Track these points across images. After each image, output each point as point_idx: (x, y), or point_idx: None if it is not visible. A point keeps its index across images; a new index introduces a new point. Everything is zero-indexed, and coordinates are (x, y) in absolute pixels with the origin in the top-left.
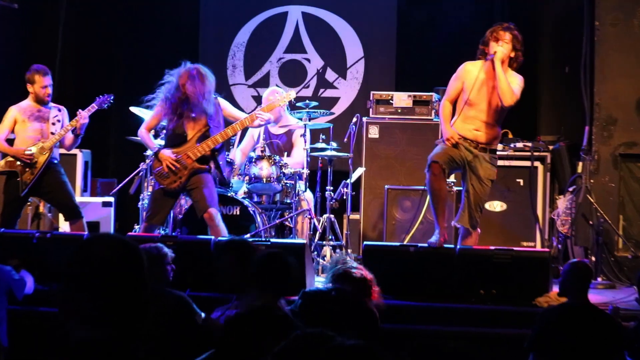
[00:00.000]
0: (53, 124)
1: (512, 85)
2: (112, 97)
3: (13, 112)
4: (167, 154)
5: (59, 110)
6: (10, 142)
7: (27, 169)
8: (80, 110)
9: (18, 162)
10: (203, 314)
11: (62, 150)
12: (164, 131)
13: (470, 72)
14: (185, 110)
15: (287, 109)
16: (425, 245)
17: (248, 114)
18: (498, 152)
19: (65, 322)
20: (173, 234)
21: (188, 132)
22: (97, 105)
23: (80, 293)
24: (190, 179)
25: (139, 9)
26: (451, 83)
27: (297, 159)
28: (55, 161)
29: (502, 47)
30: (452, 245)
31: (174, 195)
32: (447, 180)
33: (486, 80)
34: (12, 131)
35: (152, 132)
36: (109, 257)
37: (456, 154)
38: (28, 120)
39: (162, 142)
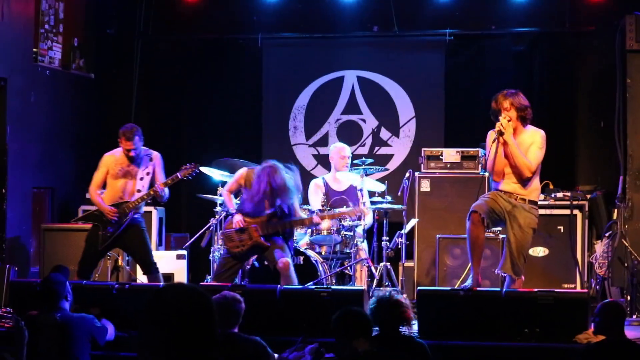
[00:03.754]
0: (141, 178)
1: (532, 151)
2: (198, 169)
3: (106, 161)
4: (239, 218)
5: (150, 159)
6: None
7: (107, 225)
8: (157, 186)
9: (103, 216)
10: (276, 355)
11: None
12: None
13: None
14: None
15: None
16: (477, 289)
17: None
18: (540, 202)
19: None
20: (241, 283)
21: (266, 208)
22: (180, 176)
23: (156, 336)
24: (253, 249)
25: (206, 76)
26: (488, 152)
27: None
28: (138, 216)
29: (504, 119)
30: (499, 289)
31: (241, 260)
32: (494, 229)
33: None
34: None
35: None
36: (181, 303)
37: (496, 206)
38: (117, 174)
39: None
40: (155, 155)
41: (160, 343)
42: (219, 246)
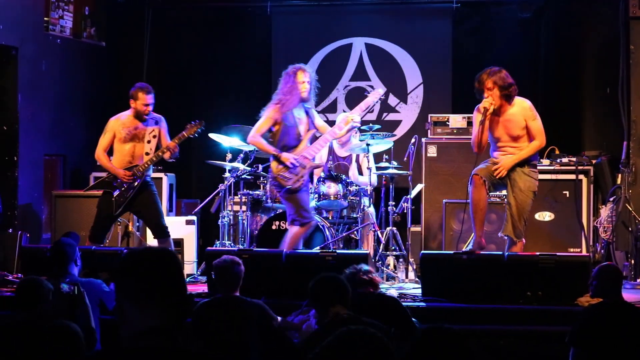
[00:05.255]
0: (149, 141)
1: (534, 126)
2: (203, 125)
3: (113, 125)
4: (288, 155)
5: (157, 122)
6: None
7: (121, 189)
8: (169, 143)
9: (115, 182)
10: (279, 318)
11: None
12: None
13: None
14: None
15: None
16: (480, 253)
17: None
18: (546, 167)
19: (122, 308)
20: (249, 247)
21: (302, 135)
22: (186, 134)
23: (128, 285)
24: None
25: (216, 43)
26: (474, 128)
27: (364, 179)
28: (148, 179)
29: (487, 98)
30: (501, 252)
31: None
32: (500, 194)
33: (497, 118)
34: (111, 145)
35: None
36: (148, 257)
37: None
38: (125, 138)
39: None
40: (161, 118)
41: (132, 290)
42: (228, 212)
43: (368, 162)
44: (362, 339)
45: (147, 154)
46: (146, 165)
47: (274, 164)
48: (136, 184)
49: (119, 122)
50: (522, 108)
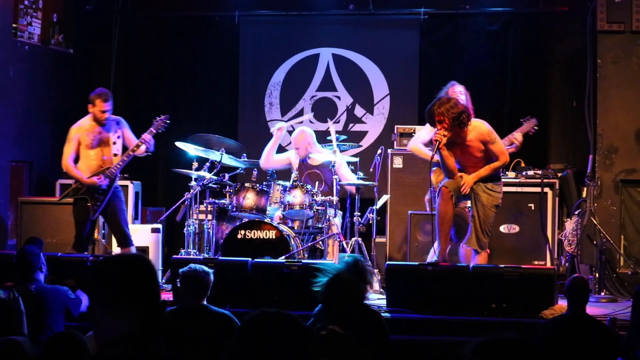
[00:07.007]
0: (114, 143)
1: (495, 149)
2: (167, 119)
3: (76, 133)
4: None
5: (118, 123)
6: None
7: (95, 194)
8: (143, 135)
9: (86, 188)
10: None
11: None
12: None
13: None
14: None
15: (316, 142)
16: (445, 264)
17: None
18: (512, 180)
19: (95, 315)
20: (214, 256)
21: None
22: (154, 129)
23: (101, 291)
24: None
25: (184, 52)
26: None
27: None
28: (118, 188)
29: (440, 130)
30: (467, 264)
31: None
32: (465, 206)
33: (457, 145)
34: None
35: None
36: (122, 263)
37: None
38: (91, 144)
39: (205, 173)
40: (120, 119)
41: (105, 297)
42: (194, 220)
43: (335, 173)
44: (276, 321)
45: (115, 155)
46: (118, 166)
47: (434, 175)
48: (112, 185)
49: (82, 129)
50: (479, 133)
